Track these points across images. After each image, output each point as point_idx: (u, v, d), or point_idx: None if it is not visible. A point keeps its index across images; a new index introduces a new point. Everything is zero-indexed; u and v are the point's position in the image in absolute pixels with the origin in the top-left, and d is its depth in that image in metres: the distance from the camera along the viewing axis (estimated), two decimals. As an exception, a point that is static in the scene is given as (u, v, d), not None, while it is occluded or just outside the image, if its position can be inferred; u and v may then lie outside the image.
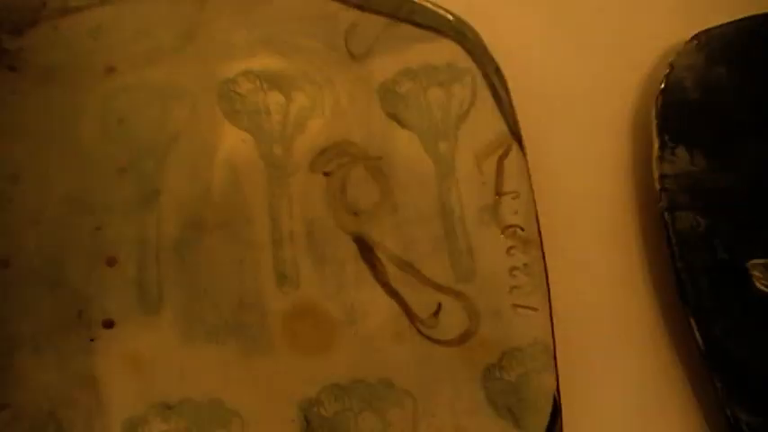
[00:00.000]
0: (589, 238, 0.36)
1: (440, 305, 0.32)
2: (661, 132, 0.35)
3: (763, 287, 0.33)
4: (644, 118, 0.37)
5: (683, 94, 0.36)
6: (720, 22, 0.37)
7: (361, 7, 0.35)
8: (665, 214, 0.34)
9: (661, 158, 0.35)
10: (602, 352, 0.34)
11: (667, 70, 0.36)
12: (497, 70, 0.34)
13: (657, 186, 0.34)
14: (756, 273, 0.33)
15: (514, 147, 0.34)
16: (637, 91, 0.38)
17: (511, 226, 0.33)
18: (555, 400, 0.31)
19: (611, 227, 0.36)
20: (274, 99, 0.35)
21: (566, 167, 0.36)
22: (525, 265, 0.32)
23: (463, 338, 0.32)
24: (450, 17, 0.34)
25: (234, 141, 0.34)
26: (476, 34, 0.34)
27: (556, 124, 0.36)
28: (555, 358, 0.31)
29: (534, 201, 0.33)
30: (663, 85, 0.36)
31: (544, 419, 0.30)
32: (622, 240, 0.36)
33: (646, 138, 0.36)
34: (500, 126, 0.35)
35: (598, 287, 0.35)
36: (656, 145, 0.35)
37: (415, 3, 0.34)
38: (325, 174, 0.34)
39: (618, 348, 0.35)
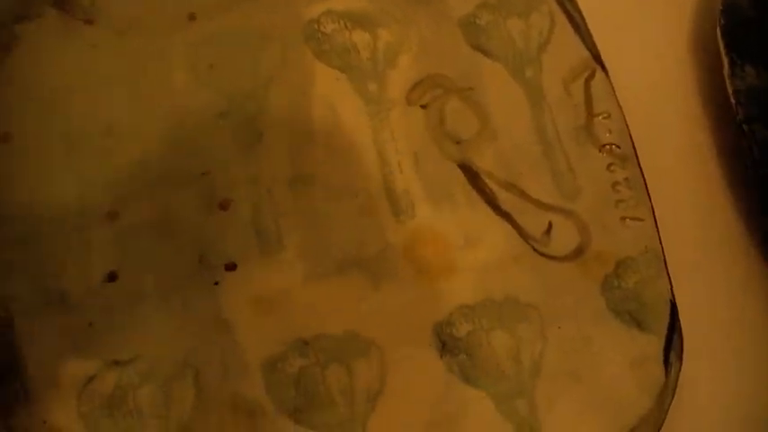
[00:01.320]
0: (666, 155, 0.37)
1: (550, 223, 0.33)
2: (728, 51, 0.37)
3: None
4: (703, 40, 0.39)
5: (740, 13, 0.38)
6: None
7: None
8: (744, 126, 0.36)
9: (732, 75, 0.37)
10: (688, 262, 0.36)
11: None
12: (571, -1, 0.35)
13: (733, 101, 0.36)
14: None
15: (598, 70, 0.35)
16: (690, 14, 0.40)
17: (607, 144, 0.34)
18: (671, 302, 0.32)
19: (686, 142, 0.38)
20: (360, 37, 0.35)
21: (634, 90, 0.37)
22: (626, 179, 0.34)
23: (577, 253, 0.33)
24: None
25: (328, 80, 0.34)
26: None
27: (621, 48, 0.38)
28: (666, 264, 0.33)
29: (625, 119, 0.34)
30: (722, 6, 0.38)
31: (665, 321, 0.32)
32: (699, 155, 0.37)
33: (708, 59, 0.38)
34: (581, 51, 0.36)
35: (679, 200, 0.37)
36: (726, 63, 0.37)
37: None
38: (422, 106, 0.34)
39: (702, 259, 0.36)
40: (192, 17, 0.35)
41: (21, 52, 0.34)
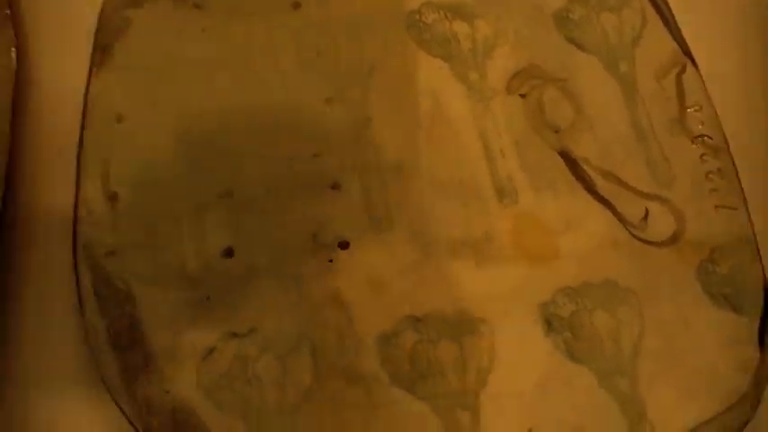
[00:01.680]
0: (757, 145, 0.38)
1: (647, 210, 0.34)
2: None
3: None
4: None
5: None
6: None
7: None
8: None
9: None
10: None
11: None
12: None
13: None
14: None
15: (688, 64, 0.37)
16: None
17: (699, 135, 0.35)
18: (765, 286, 0.33)
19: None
20: (459, 28, 0.36)
21: (722, 82, 0.38)
22: (719, 169, 0.35)
23: (673, 239, 0.34)
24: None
25: (431, 68, 0.36)
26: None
27: (708, 40, 0.39)
28: (758, 250, 0.34)
29: (716, 112, 0.36)
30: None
31: (760, 304, 0.33)
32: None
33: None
34: (672, 46, 0.37)
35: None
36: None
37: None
38: (522, 96, 0.35)
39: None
40: (296, 5, 0.36)
41: (133, 36, 0.35)
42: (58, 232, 0.33)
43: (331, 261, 0.32)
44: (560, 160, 0.35)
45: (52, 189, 0.34)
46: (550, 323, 0.32)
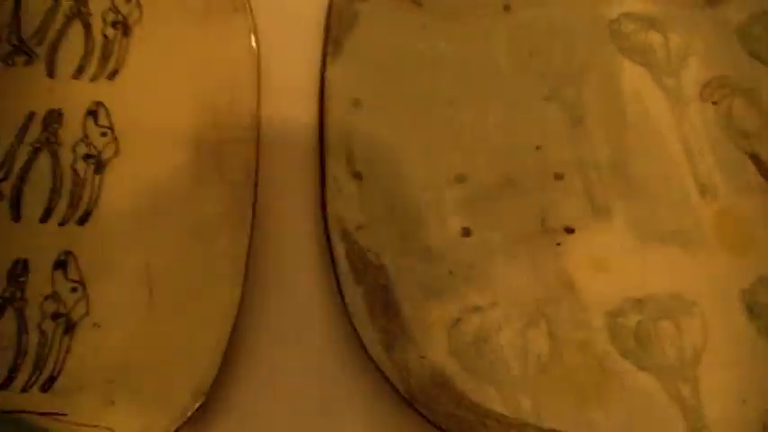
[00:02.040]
0: None
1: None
2: None
3: None
4: None
5: None
6: None
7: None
8: None
9: None
10: None
11: None
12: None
13: None
14: None
15: None
16: None
17: None
18: None
19: None
20: (654, 38, 0.40)
21: None
22: None
23: None
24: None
25: (633, 74, 0.39)
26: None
27: None
28: None
29: None
30: None
31: None
32: None
33: None
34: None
35: None
36: None
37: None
38: (713, 103, 0.39)
39: None
40: (507, 8, 0.39)
41: (361, 28, 0.38)
42: (301, 207, 0.35)
43: (558, 244, 0.35)
44: (750, 163, 0.38)
45: (291, 166, 0.36)
46: (752, 310, 0.35)
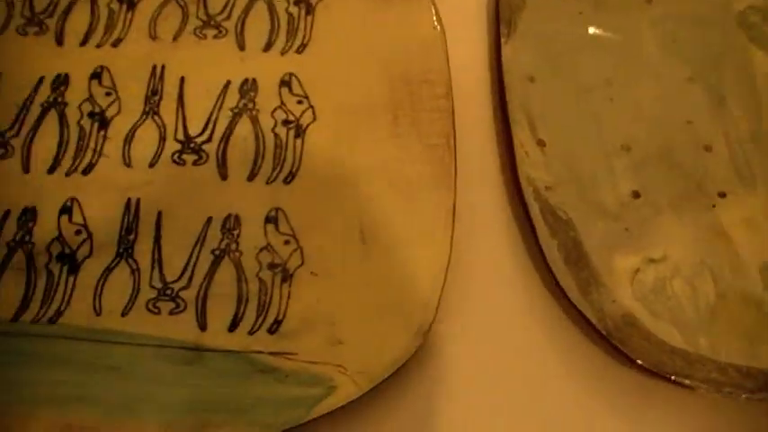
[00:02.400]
0: None
1: None
2: None
3: None
4: None
5: None
6: None
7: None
8: None
9: None
10: None
11: None
12: None
13: None
14: None
15: None
16: None
17: None
18: None
19: None
20: (776, 28, 0.45)
21: None
22: None
23: None
24: None
25: (763, 59, 0.44)
26: None
27: None
28: None
29: None
30: None
31: None
32: None
33: None
34: None
35: None
36: None
37: None
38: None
39: None
40: (648, 1, 0.44)
41: (529, 11, 0.42)
42: (490, 170, 0.40)
43: (714, 206, 0.40)
44: None
45: (476, 134, 0.40)
46: None
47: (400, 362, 0.34)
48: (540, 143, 0.39)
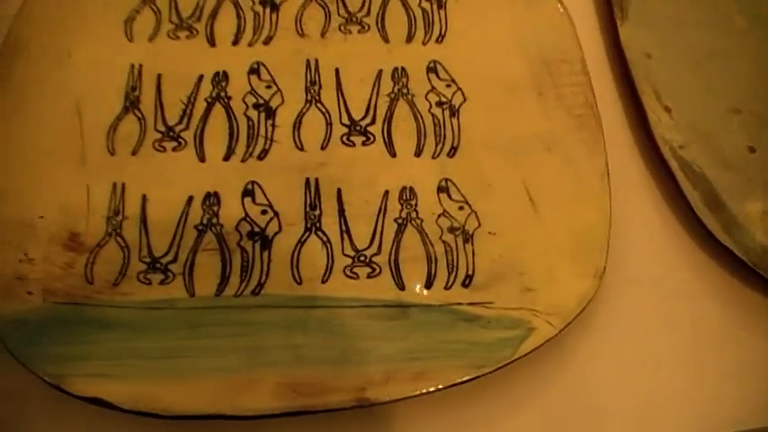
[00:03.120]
0: None
1: None
2: None
3: None
4: None
5: None
6: None
7: None
8: None
9: None
10: None
11: None
12: None
13: None
14: None
15: None
16: None
17: None
18: None
19: None
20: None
21: None
22: None
23: None
24: None
25: None
26: None
27: None
28: None
29: None
30: None
31: None
32: None
33: None
34: None
35: None
36: None
37: None
38: None
39: None
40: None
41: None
42: (621, 136, 0.44)
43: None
44: None
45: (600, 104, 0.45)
46: None
47: (585, 302, 0.38)
48: (667, 109, 0.44)
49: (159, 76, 0.44)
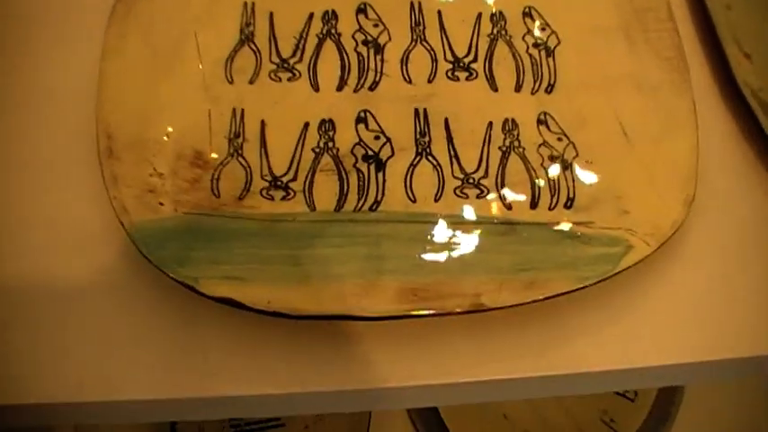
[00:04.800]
0: None
1: None
2: None
3: None
4: None
5: None
6: None
7: None
8: None
9: None
10: None
11: None
12: None
13: None
14: None
15: None
16: None
17: None
18: None
19: None
20: None
21: None
22: None
23: None
24: None
25: None
26: None
27: None
28: None
29: None
30: None
31: None
32: None
33: None
34: None
35: None
36: None
37: None
38: None
39: None
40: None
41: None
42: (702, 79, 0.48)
43: None
44: None
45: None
46: None
47: (677, 225, 0.41)
48: (747, 56, 0.47)
49: (271, 14, 0.47)
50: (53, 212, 0.41)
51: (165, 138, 0.42)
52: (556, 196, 0.42)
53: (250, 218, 0.41)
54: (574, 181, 0.43)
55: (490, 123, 0.44)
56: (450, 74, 0.45)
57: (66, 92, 0.44)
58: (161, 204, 0.40)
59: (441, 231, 0.41)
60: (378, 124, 0.44)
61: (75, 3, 0.47)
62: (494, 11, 0.48)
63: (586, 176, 0.43)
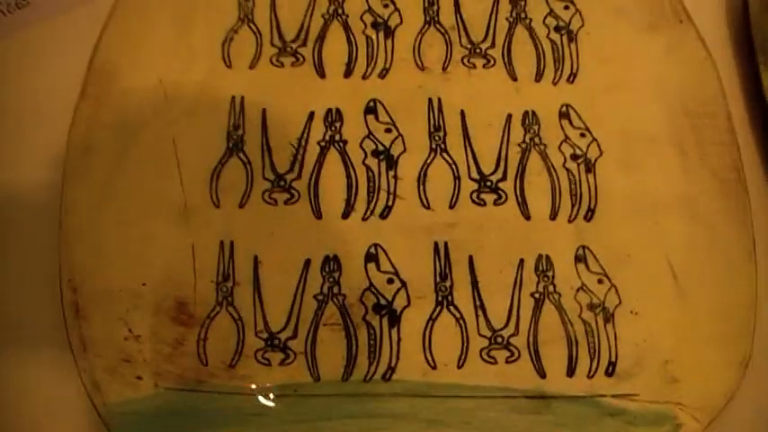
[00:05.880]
0: None
1: None
2: None
3: None
4: None
5: None
6: None
7: None
8: None
9: None
10: None
11: None
12: None
13: None
14: None
15: None
16: None
17: None
18: None
19: None
20: None
21: None
22: None
23: None
24: None
25: None
26: None
27: None
28: None
29: None
30: None
31: None
32: None
33: None
34: None
35: None
36: None
37: None
38: None
39: None
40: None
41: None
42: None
43: None
44: None
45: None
46: None
47: (730, 394, 0.36)
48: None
49: (264, 110, 0.39)
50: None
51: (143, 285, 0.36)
52: (596, 360, 0.37)
53: (243, 392, 0.35)
54: (616, 339, 0.37)
55: (521, 262, 0.38)
56: (475, 197, 0.39)
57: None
58: (139, 379, 0.34)
59: (464, 410, 0.36)
60: (390, 263, 0.37)
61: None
62: (527, 110, 0.40)
63: (630, 333, 0.37)
